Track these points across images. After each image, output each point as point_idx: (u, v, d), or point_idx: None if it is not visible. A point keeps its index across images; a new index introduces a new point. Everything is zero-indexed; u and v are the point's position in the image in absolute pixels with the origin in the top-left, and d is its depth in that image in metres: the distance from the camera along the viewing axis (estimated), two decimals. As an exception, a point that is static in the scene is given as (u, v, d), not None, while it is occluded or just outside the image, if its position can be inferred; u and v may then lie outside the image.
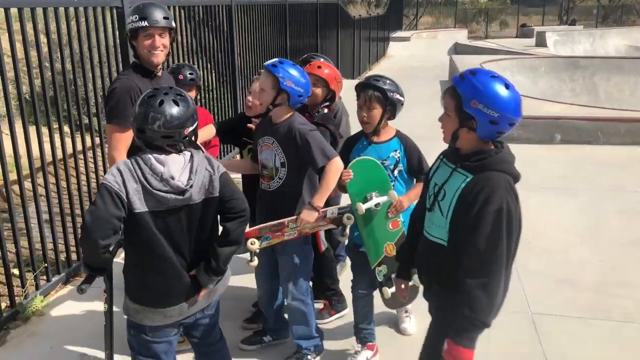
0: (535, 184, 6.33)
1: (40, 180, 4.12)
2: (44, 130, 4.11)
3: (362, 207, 2.95)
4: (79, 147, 4.46)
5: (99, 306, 3.91)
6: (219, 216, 2.41)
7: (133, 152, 2.62)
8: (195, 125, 2.26)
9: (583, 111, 8.84)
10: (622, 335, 3.55)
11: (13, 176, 3.90)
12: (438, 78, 14.92)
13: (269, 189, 3.03)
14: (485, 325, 2.03)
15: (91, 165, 4.62)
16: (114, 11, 4.79)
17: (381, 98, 2.92)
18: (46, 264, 4.09)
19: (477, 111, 1.97)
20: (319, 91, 3.41)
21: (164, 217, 2.23)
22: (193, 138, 2.28)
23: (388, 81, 2.97)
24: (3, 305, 3.74)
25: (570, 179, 6.68)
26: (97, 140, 4.79)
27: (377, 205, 2.96)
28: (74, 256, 4.39)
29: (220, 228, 2.42)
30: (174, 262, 2.30)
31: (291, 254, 3.07)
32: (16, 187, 3.90)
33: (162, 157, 2.21)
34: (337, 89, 3.51)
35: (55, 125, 4.23)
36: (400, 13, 30.44)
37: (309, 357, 3.26)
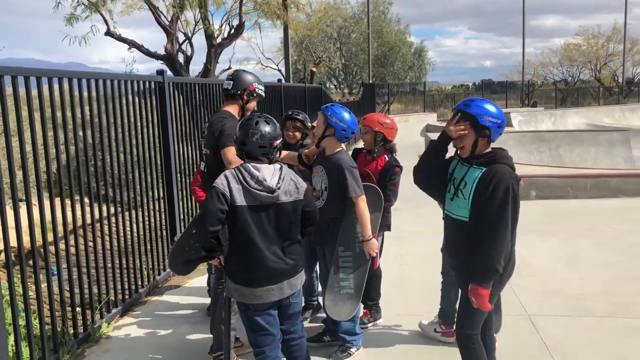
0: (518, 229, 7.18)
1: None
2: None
3: None
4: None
5: (155, 329, 4.55)
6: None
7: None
8: (280, 140, 3.07)
9: (554, 170, 9.90)
10: (604, 326, 4.31)
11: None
12: (415, 154, 16.11)
13: None
14: (496, 270, 2.81)
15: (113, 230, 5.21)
16: (156, 85, 5.66)
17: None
18: (107, 298, 4.70)
19: (489, 122, 2.87)
20: (367, 137, 4.16)
21: (257, 211, 2.93)
22: (278, 152, 3.08)
23: None
24: (79, 329, 4.31)
25: (548, 224, 7.56)
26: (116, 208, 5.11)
27: None
28: (127, 295, 5.02)
29: None
30: (263, 249, 2.94)
31: None
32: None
33: (258, 165, 2.98)
34: (383, 129, 4.11)
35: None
36: (373, 100, 32.28)
37: (351, 349, 3.92)
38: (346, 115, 3.73)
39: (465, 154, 2.99)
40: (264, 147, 2.97)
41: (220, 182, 2.94)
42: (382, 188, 3.98)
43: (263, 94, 3.92)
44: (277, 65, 27.96)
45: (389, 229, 4.29)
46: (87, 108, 4.50)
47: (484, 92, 41.72)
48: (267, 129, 2.98)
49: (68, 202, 4.28)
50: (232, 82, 3.81)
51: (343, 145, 3.85)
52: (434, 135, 17.66)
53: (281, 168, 3.04)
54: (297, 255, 3.08)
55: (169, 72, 6.51)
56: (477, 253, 2.84)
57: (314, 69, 26.38)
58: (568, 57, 51.37)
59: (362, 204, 3.70)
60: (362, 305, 4.45)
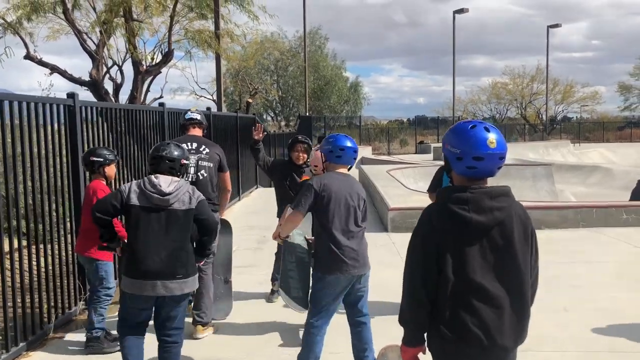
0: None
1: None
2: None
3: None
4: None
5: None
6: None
7: None
8: (187, 161, 3.81)
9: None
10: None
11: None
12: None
13: None
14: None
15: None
16: (66, 109, 5.22)
17: None
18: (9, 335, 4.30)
19: (446, 150, 2.29)
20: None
21: (149, 212, 3.37)
22: (186, 170, 3.69)
23: None
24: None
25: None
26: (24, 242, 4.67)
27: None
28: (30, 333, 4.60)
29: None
30: (145, 248, 3.34)
31: None
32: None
33: (159, 175, 3.48)
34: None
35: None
36: (309, 132, 32.51)
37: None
38: (326, 140, 3.94)
39: None
40: (172, 160, 3.54)
41: (125, 185, 3.49)
42: None
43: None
44: (212, 96, 27.70)
45: None
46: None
47: (417, 127, 42.91)
48: (176, 152, 3.60)
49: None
50: (199, 115, 5.14)
51: (342, 168, 3.92)
52: (369, 167, 17.75)
53: (180, 181, 3.49)
54: (179, 262, 3.40)
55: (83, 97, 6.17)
56: None
57: (250, 100, 26.35)
58: (496, 95, 53.82)
59: (288, 212, 3.88)
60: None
